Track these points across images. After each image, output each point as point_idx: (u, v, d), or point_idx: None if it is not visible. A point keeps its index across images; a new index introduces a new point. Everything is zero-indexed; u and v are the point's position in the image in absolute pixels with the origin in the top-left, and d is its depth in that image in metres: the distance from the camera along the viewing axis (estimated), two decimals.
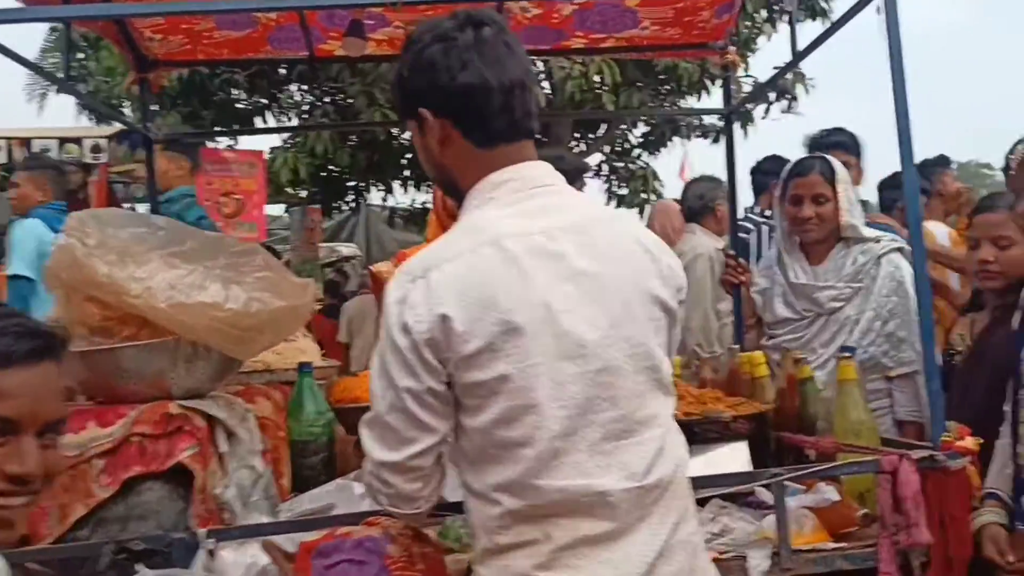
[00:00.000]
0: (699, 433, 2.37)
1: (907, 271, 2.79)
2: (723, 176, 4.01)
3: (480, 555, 1.54)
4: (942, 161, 4.98)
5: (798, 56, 2.80)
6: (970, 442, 2.05)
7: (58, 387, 1.25)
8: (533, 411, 1.45)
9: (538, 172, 1.58)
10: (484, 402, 1.47)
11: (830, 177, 2.91)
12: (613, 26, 3.35)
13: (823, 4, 9.78)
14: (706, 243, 4.45)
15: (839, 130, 3.99)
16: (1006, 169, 2.84)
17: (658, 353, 1.55)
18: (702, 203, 4.57)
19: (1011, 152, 2.75)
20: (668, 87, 10.56)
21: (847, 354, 2.33)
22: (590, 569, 1.46)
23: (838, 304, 2.89)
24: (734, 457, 2.31)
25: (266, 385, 2.54)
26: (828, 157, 3.00)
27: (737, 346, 3.17)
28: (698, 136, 11.37)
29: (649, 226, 4.59)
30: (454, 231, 1.57)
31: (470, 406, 1.49)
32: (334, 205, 11.79)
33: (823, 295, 2.90)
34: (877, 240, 2.92)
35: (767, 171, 4.23)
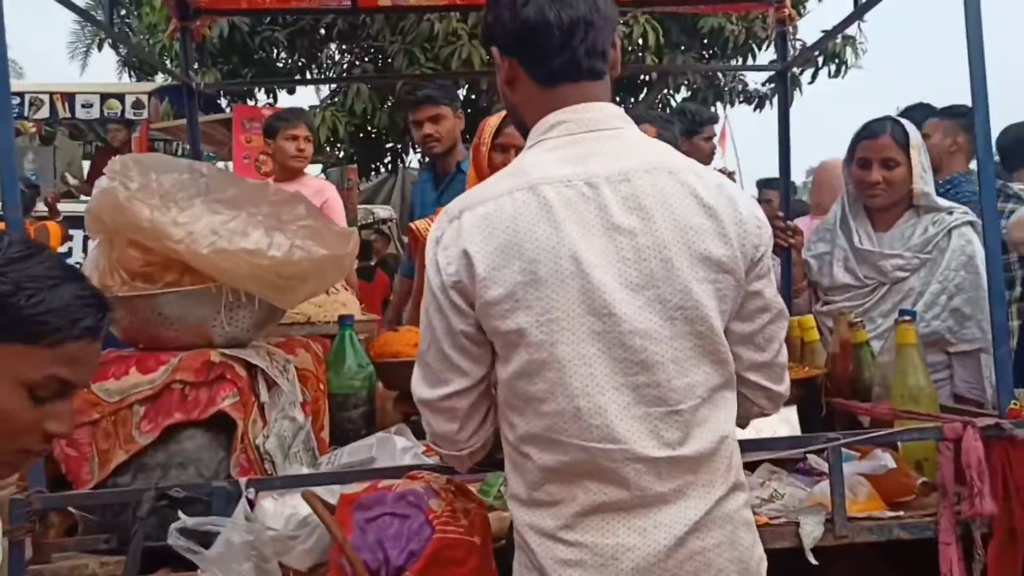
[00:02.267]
0: None
1: (979, 246, 2.67)
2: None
3: (514, 509, 1.50)
4: None
5: (861, 8, 2.67)
6: None
7: None
8: (554, 367, 1.40)
9: (598, 115, 1.51)
10: (508, 352, 1.44)
11: (903, 141, 2.78)
12: None
13: None
14: None
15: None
16: None
17: (710, 318, 1.43)
18: None
19: None
20: (712, 50, 10.37)
21: (907, 318, 2.23)
22: (616, 534, 1.41)
23: (903, 274, 2.78)
24: (783, 424, 2.24)
25: (307, 337, 2.51)
26: (902, 120, 2.86)
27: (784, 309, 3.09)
28: (741, 102, 11.17)
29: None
30: (501, 172, 1.54)
31: (500, 356, 1.46)
32: (372, 166, 11.78)
33: (889, 263, 2.79)
34: (950, 212, 2.79)
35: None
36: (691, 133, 4.44)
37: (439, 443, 1.59)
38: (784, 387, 1.62)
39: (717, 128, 5.40)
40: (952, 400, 2.74)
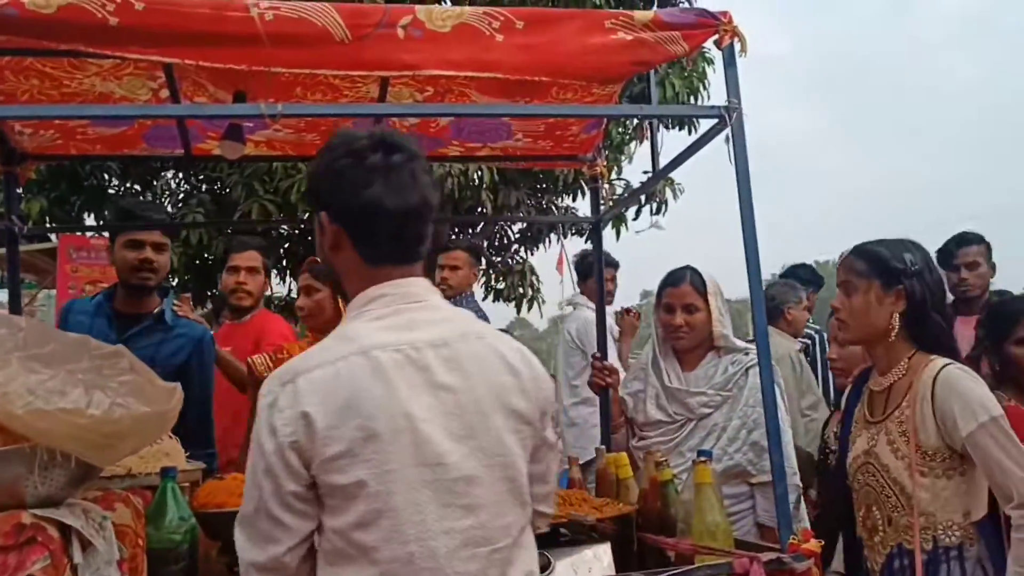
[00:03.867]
0: (565, 535, 2.43)
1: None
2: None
3: None
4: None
5: (658, 173, 2.99)
6: (813, 544, 2.18)
7: None
8: (390, 516, 1.51)
9: (415, 289, 1.68)
10: (344, 504, 1.52)
11: (702, 288, 3.07)
12: (488, 136, 3.51)
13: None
14: (784, 344, 4.60)
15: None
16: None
17: (518, 464, 1.63)
18: (773, 305, 4.73)
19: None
20: (544, 185, 10.93)
21: (704, 458, 2.44)
22: None
23: (707, 410, 3.00)
24: (598, 560, 2.38)
25: (127, 490, 2.45)
26: (699, 269, 3.14)
27: (603, 447, 3.27)
28: (574, 234, 11.73)
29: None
30: (328, 339, 1.66)
31: (331, 507, 1.54)
32: (208, 293, 11.53)
33: (694, 400, 3.02)
34: (746, 352, 3.05)
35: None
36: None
37: None
38: (553, 508, 1.86)
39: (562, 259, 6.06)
40: (755, 528, 2.95)
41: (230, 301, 3.98)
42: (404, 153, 1.65)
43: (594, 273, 3.82)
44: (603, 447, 3.26)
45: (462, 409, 1.58)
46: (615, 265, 5.73)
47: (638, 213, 10.03)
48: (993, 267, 4.46)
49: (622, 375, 3.47)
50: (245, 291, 3.91)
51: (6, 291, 8.65)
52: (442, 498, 1.53)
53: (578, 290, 5.68)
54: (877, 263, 2.40)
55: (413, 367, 1.57)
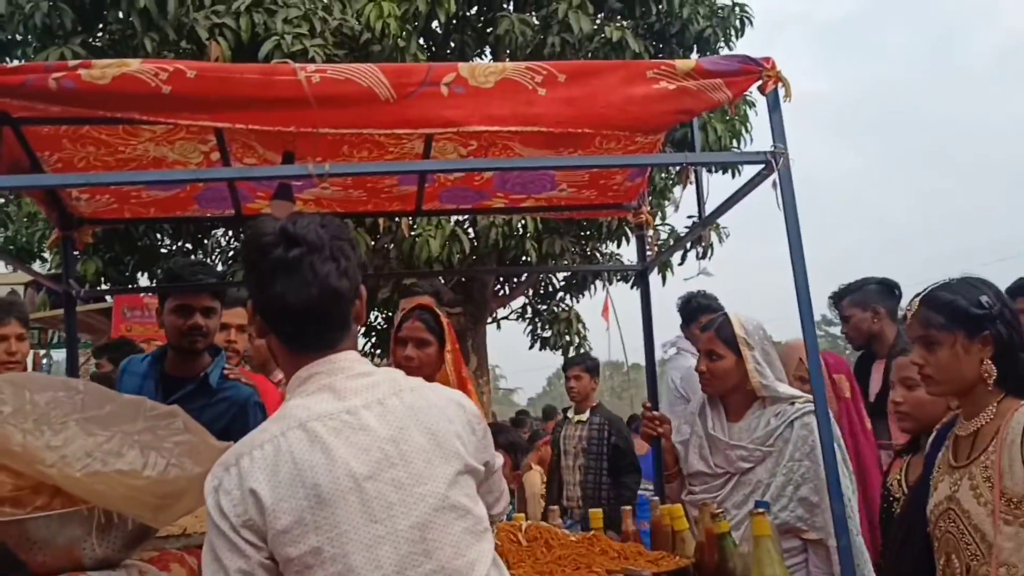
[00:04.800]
0: None
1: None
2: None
3: None
4: None
5: (704, 220, 2.97)
6: None
7: None
8: None
9: (343, 363, 1.71)
10: (304, 574, 1.54)
11: (727, 336, 2.97)
12: (532, 188, 3.53)
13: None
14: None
15: (705, 294, 4.29)
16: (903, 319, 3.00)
17: (465, 504, 1.66)
18: None
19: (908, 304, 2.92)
20: (588, 232, 10.96)
21: (761, 510, 2.38)
22: None
23: (747, 465, 2.89)
24: None
25: (182, 550, 2.47)
26: (734, 316, 3.06)
27: (657, 498, 3.21)
28: (619, 281, 11.72)
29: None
30: (269, 419, 1.71)
31: None
32: None
33: (734, 454, 2.91)
34: (792, 402, 2.93)
35: None
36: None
37: None
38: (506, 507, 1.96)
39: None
40: None
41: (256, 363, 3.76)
42: (303, 246, 1.66)
43: (642, 322, 3.78)
44: (656, 498, 3.21)
45: (405, 459, 1.62)
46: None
47: (684, 258, 9.99)
48: None
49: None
50: (234, 350, 3.69)
51: (63, 350, 8.84)
52: (400, 548, 1.57)
53: (681, 334, 5.49)
54: (956, 313, 2.29)
55: (350, 430, 1.61)
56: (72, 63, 2.21)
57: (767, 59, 2.44)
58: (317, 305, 1.67)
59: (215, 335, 3.32)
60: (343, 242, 1.70)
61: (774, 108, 2.40)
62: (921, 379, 2.43)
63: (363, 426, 1.62)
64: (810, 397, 2.94)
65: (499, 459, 1.86)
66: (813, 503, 2.76)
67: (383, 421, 1.64)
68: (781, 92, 2.41)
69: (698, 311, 4.92)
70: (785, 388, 2.99)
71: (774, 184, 2.37)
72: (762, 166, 2.44)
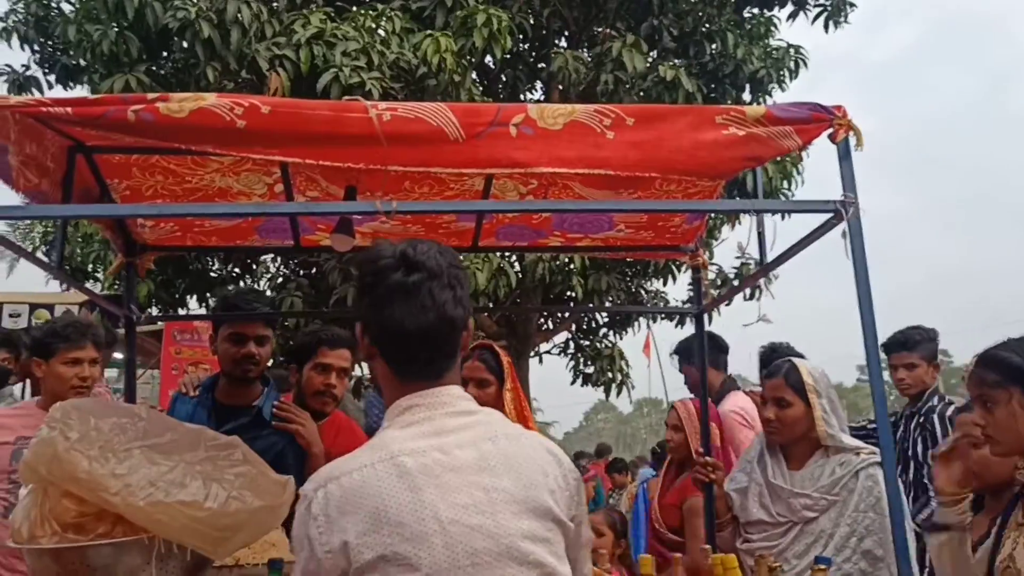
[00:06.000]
0: None
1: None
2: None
3: None
4: None
5: (766, 266, 2.93)
6: None
7: None
8: None
9: (445, 398, 1.70)
10: None
11: (796, 383, 2.95)
12: (590, 228, 3.52)
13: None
14: None
15: (788, 346, 4.23)
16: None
17: (549, 561, 1.62)
18: None
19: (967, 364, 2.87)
20: (634, 269, 10.92)
21: (823, 565, 2.32)
22: None
23: (811, 514, 2.85)
24: None
25: None
26: (800, 363, 3.03)
27: (708, 547, 3.15)
28: (663, 318, 11.66)
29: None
30: (364, 446, 1.70)
31: None
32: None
33: (798, 502, 2.87)
34: (857, 452, 2.89)
35: None
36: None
37: None
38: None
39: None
40: None
41: (310, 403, 3.39)
42: (422, 272, 1.67)
43: (698, 364, 3.74)
44: (708, 547, 3.15)
45: (494, 508, 1.59)
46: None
47: (730, 300, 9.89)
48: None
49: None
50: (332, 395, 3.42)
51: (115, 370, 8.97)
52: None
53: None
54: (1011, 370, 2.27)
55: (441, 468, 1.59)
56: (151, 96, 2.26)
57: (838, 107, 2.41)
58: (433, 331, 1.66)
59: (266, 364, 3.33)
60: (459, 270, 1.71)
61: (844, 157, 2.37)
62: (984, 439, 2.39)
63: (455, 467, 1.60)
64: (875, 449, 2.90)
65: (586, 512, 1.82)
66: (877, 556, 2.71)
67: (476, 465, 1.62)
68: (852, 141, 2.38)
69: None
70: (849, 438, 2.94)
71: (843, 234, 2.34)
72: (830, 215, 2.41)
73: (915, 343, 4.44)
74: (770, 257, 2.92)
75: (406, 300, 1.65)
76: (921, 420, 4.37)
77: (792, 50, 10.65)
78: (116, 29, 8.24)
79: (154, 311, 10.53)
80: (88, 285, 11.18)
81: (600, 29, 10.78)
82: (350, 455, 1.67)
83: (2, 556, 3.19)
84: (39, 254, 10.65)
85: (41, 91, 9.74)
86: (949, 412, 4.24)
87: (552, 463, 1.70)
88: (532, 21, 10.42)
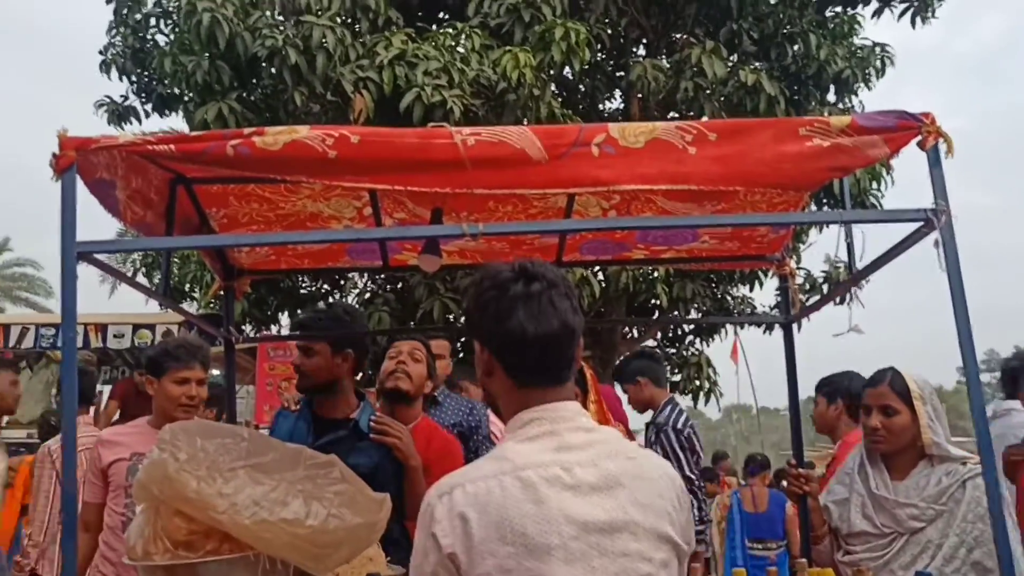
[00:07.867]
0: None
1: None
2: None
3: None
4: None
5: (857, 275, 2.89)
6: None
7: None
8: None
9: (564, 413, 1.74)
10: None
11: (902, 390, 2.88)
12: (674, 240, 3.52)
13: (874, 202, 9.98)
14: None
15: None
16: None
17: None
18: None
19: None
20: (720, 275, 10.80)
21: None
22: None
23: (919, 524, 2.77)
24: None
25: None
26: (903, 370, 2.96)
27: (804, 560, 3.10)
28: (750, 324, 11.47)
29: None
30: (485, 457, 1.75)
31: None
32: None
33: (903, 512, 2.79)
34: (964, 462, 2.81)
35: None
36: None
37: None
38: None
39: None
40: None
41: (385, 384, 3.54)
42: (542, 282, 1.72)
43: (786, 373, 3.69)
44: (804, 560, 3.10)
45: (613, 528, 1.61)
46: None
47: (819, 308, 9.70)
48: None
49: None
50: (404, 371, 3.51)
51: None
52: None
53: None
54: None
55: (562, 485, 1.62)
56: (247, 131, 2.36)
57: (926, 114, 2.37)
58: (554, 338, 1.71)
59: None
60: (570, 283, 1.77)
61: (935, 164, 2.33)
62: None
63: (575, 485, 1.64)
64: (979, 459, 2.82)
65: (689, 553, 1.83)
66: (987, 568, 2.62)
67: (596, 485, 1.65)
68: (943, 148, 2.34)
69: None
70: (954, 448, 2.87)
71: (936, 243, 2.29)
72: (921, 223, 2.36)
73: None
74: (860, 265, 2.88)
75: (528, 308, 1.69)
76: None
77: (878, 48, 10.40)
78: (208, 59, 8.56)
79: (247, 328, 10.88)
80: (184, 304, 11.61)
81: (679, 36, 10.72)
82: (472, 465, 1.72)
83: (122, 569, 3.35)
84: (140, 277, 11.08)
85: (139, 120, 10.21)
86: None
87: (668, 485, 1.73)
88: (610, 31, 10.42)
